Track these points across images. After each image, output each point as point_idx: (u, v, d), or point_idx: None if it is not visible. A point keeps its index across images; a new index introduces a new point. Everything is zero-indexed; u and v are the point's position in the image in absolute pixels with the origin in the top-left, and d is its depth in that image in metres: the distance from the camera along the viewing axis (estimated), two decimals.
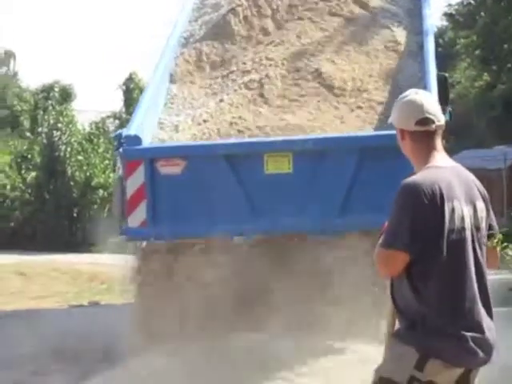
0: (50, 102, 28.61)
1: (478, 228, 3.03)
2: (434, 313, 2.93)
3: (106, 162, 23.21)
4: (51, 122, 23.38)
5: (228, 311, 6.30)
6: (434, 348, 2.92)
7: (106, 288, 12.65)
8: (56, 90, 31.27)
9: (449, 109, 7.18)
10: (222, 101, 6.97)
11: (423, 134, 3.09)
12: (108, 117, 30.52)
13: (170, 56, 7.62)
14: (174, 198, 6.34)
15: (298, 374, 5.72)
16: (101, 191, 22.48)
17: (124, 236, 6.57)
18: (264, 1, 7.98)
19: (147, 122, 6.70)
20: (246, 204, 6.27)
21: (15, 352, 7.61)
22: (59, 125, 22.88)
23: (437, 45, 13.34)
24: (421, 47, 7.26)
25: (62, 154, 22.58)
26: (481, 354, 2.95)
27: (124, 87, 30.78)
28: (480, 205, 3.08)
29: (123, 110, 30.42)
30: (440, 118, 3.13)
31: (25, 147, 24.21)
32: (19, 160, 23.89)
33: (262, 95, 6.93)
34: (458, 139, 25.98)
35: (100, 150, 23.74)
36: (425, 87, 6.34)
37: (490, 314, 3.02)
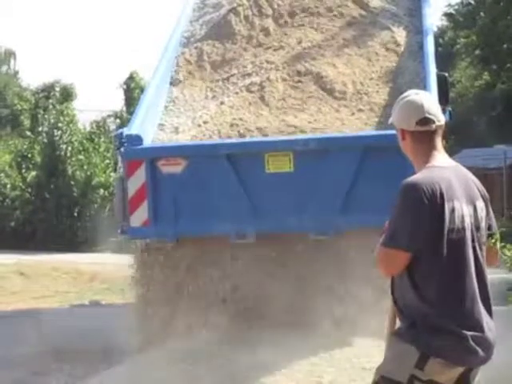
0: (50, 101, 28.61)
1: (477, 228, 3.04)
2: (434, 312, 2.94)
3: (107, 161, 23.22)
4: (52, 121, 23.38)
5: (228, 309, 6.32)
6: (435, 347, 2.93)
7: (107, 287, 12.65)
8: (57, 89, 31.29)
9: (449, 108, 7.20)
10: (222, 103, 6.98)
11: (423, 134, 3.10)
12: (109, 116, 30.56)
13: (170, 56, 7.62)
14: (176, 198, 6.35)
15: (299, 370, 5.73)
16: (101, 191, 22.48)
17: (126, 235, 6.59)
18: (265, 0, 7.99)
19: (148, 122, 6.71)
20: (246, 203, 6.28)
21: (16, 351, 7.63)
22: (60, 124, 22.88)
23: (437, 44, 13.36)
24: (421, 47, 7.27)
25: (62, 153, 22.58)
26: (481, 352, 2.96)
27: (125, 86, 30.82)
28: (480, 204, 3.09)
29: (124, 109, 30.45)
30: (440, 118, 3.14)
31: (25, 146, 24.20)
32: (20, 159, 23.89)
33: (262, 98, 6.94)
34: (459, 138, 26.00)
35: (101, 150, 23.74)
36: (425, 87, 6.35)
37: (490, 312, 3.03)
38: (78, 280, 14.05)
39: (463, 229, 2.98)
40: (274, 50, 7.46)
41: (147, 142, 6.53)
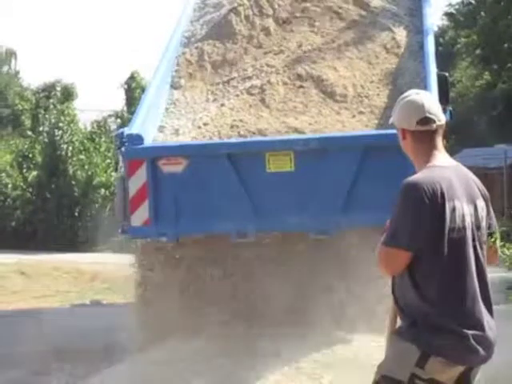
0: (51, 100, 28.61)
1: (478, 227, 3.05)
2: (435, 311, 2.95)
3: (108, 161, 23.23)
4: (53, 121, 23.40)
5: (229, 309, 6.33)
6: (436, 346, 2.93)
7: (108, 287, 12.66)
8: (57, 88, 31.29)
9: (449, 108, 7.20)
10: (223, 105, 7.00)
11: (424, 134, 3.11)
12: (110, 116, 30.55)
13: (171, 56, 7.63)
14: (177, 197, 6.35)
15: (299, 369, 5.74)
16: (102, 190, 22.50)
17: (127, 235, 6.60)
18: (265, 0, 7.99)
19: (148, 122, 6.71)
20: (247, 203, 6.29)
21: (17, 351, 7.63)
22: (61, 124, 22.90)
23: (437, 44, 13.38)
24: (421, 47, 7.28)
25: (63, 153, 22.60)
26: (482, 351, 2.96)
27: (126, 86, 30.81)
28: (480, 204, 3.10)
29: (125, 109, 30.43)
30: (441, 118, 3.15)
31: (26, 146, 24.23)
32: (20, 159, 23.91)
33: (263, 100, 6.95)
34: (459, 138, 26.00)
35: (102, 149, 23.76)
36: (425, 87, 6.36)
37: (490, 311, 3.04)
38: (78, 280, 14.06)
39: (464, 228, 2.99)
40: (275, 54, 7.48)
41: (148, 142, 6.54)
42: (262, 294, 6.22)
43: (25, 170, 23.49)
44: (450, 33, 32.43)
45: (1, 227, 22.25)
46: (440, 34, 31.22)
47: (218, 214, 6.25)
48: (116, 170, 17.48)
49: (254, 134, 6.62)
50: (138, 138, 6.36)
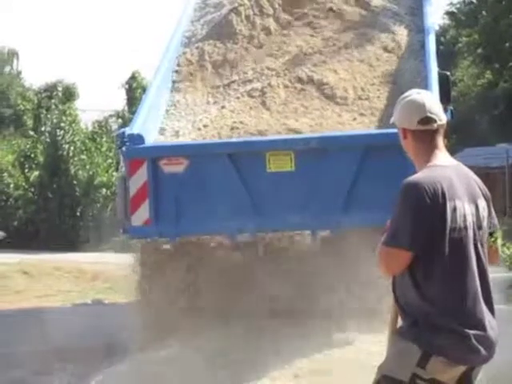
0: (53, 101, 28.60)
1: (479, 226, 3.05)
2: (436, 310, 2.94)
3: (109, 160, 23.28)
4: (54, 121, 23.43)
5: (229, 309, 6.32)
6: (437, 345, 2.93)
7: (109, 287, 12.65)
8: (59, 89, 31.27)
9: (451, 107, 7.21)
10: (223, 107, 7.01)
11: (425, 133, 3.11)
12: (111, 116, 30.57)
13: (172, 56, 7.63)
14: (177, 197, 6.36)
15: (300, 369, 5.74)
16: (104, 190, 22.53)
17: (128, 234, 6.60)
18: (266, 0, 7.99)
19: (149, 122, 6.72)
20: (248, 203, 6.29)
21: (19, 350, 7.63)
22: (62, 124, 22.93)
23: (439, 43, 13.37)
24: (422, 46, 7.29)
25: (65, 153, 22.63)
26: (483, 351, 2.96)
27: (127, 86, 30.82)
28: (482, 203, 3.09)
29: (126, 108, 30.44)
30: (442, 118, 3.14)
31: (28, 146, 24.27)
32: (22, 159, 23.95)
33: (263, 103, 6.97)
34: (461, 137, 26.01)
35: (103, 149, 23.81)
36: (426, 86, 6.36)
37: (492, 311, 3.03)
38: (80, 279, 14.06)
39: (465, 228, 2.99)
40: (275, 57, 7.48)
41: (149, 142, 6.54)
42: (262, 293, 6.21)
43: (27, 170, 23.53)
44: (452, 32, 32.41)
45: (3, 227, 22.28)
46: (441, 33, 31.22)
47: (218, 213, 6.26)
48: (117, 169, 17.52)
49: (254, 135, 6.63)
50: (139, 138, 6.37)
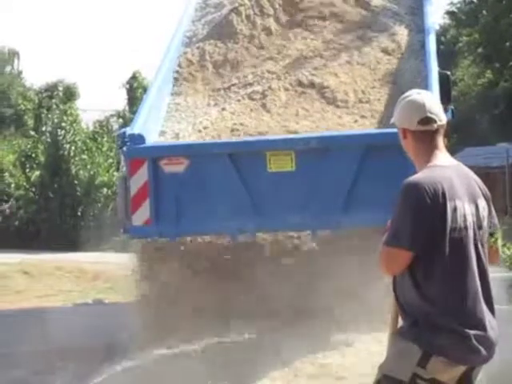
0: (53, 100, 28.61)
1: (479, 226, 3.05)
2: (436, 310, 2.95)
3: (110, 160, 23.28)
4: (55, 120, 23.43)
5: (230, 309, 6.33)
6: (437, 345, 2.93)
7: (110, 286, 12.66)
8: (60, 88, 31.31)
9: (451, 107, 7.22)
10: (224, 109, 7.02)
11: (425, 134, 3.11)
12: (112, 116, 30.60)
13: (173, 56, 7.64)
14: (178, 196, 6.36)
15: (301, 369, 5.74)
16: (105, 190, 22.54)
17: (128, 234, 6.60)
18: (266, 0, 8.00)
19: (150, 123, 6.72)
20: (248, 202, 6.29)
21: (20, 350, 7.64)
22: (63, 124, 22.94)
23: (439, 43, 13.36)
24: (423, 45, 7.29)
25: (66, 152, 22.64)
26: (483, 351, 2.96)
27: (128, 86, 30.85)
28: (482, 203, 3.09)
29: (127, 108, 30.47)
30: (442, 118, 3.15)
31: (29, 146, 24.28)
32: (23, 159, 23.97)
33: (264, 105, 6.98)
34: (461, 137, 26.00)
35: (104, 149, 23.82)
36: (427, 86, 6.36)
37: (492, 311, 3.04)
38: (81, 279, 14.06)
39: (465, 228, 2.99)
40: (276, 60, 7.49)
41: (149, 142, 6.54)
42: (262, 293, 6.22)
43: (28, 170, 23.55)
44: (452, 31, 32.40)
45: (4, 227, 22.29)
46: (441, 33, 31.21)
47: (218, 213, 6.26)
48: (118, 169, 17.53)
49: (254, 136, 6.63)
50: (140, 138, 6.37)
